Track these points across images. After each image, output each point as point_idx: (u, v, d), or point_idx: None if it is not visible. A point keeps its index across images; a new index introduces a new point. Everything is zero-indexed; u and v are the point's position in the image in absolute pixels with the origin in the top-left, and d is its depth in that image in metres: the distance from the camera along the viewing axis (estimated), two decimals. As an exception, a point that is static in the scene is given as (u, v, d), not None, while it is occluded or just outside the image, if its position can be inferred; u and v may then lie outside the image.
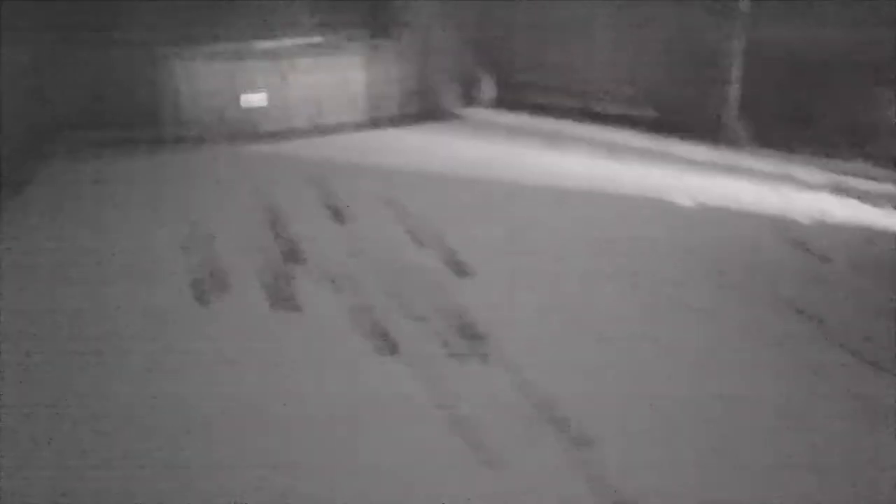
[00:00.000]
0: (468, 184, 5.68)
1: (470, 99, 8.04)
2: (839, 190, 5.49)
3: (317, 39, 7.17)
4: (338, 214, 5.02)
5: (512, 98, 7.93)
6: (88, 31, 6.36)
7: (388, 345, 3.43)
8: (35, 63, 6.17)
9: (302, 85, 7.03)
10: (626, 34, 7.13)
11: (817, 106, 6.14)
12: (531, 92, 7.80)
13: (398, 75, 7.48)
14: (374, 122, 7.38)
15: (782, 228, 4.78)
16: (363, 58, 7.27)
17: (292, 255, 4.38)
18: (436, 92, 7.76)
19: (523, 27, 7.78)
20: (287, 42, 7.04)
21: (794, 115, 6.27)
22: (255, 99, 6.85)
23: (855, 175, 5.75)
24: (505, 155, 6.44)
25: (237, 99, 6.78)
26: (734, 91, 6.54)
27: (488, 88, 8.06)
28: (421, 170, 6.00)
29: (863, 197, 5.34)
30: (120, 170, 5.98)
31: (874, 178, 5.68)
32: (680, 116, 6.83)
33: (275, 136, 6.92)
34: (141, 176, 5.85)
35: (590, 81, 7.43)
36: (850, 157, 5.95)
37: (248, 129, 6.85)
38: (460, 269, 4.19)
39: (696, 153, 6.41)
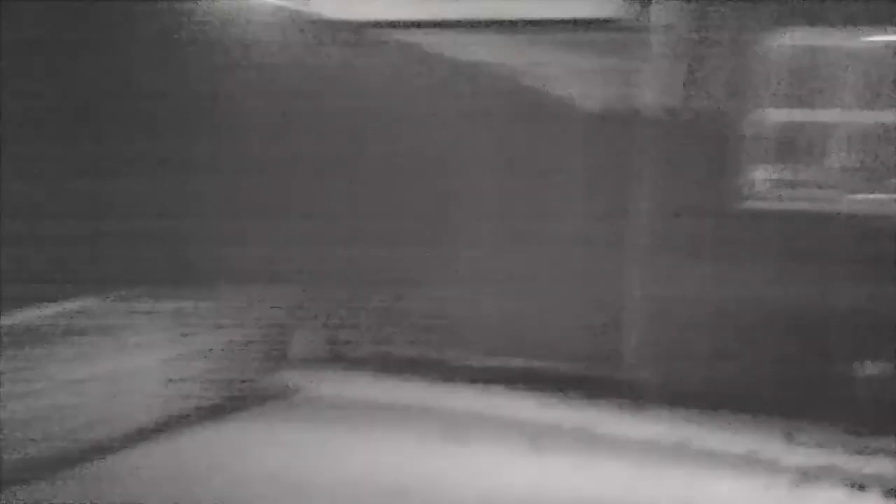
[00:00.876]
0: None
1: (279, 359, 5.91)
2: None
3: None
4: None
5: (340, 351, 6.17)
6: None
7: None
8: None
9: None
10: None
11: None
12: (369, 341, 6.16)
13: (201, 344, 5.26)
14: (175, 421, 4.93)
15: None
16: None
17: None
18: (245, 358, 5.60)
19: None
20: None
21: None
22: None
23: None
24: (409, 473, 4.51)
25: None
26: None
27: (304, 340, 6.08)
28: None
29: None
30: None
31: None
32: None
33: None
34: None
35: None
36: None
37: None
38: None
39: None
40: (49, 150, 4.64)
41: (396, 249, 6.16)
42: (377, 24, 6.37)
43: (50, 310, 4.52)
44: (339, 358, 6.20)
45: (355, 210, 6.25)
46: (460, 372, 5.99)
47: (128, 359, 4.74)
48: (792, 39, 5.73)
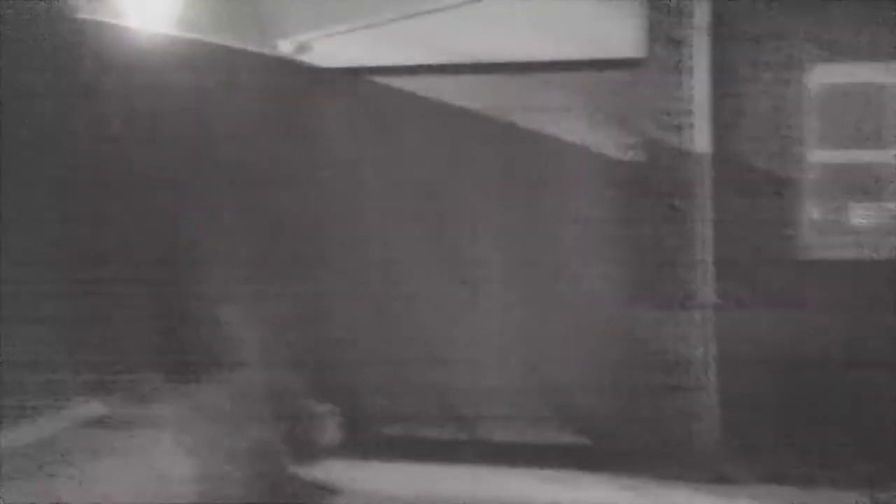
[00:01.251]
0: None
1: (308, 446, 5.37)
2: None
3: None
4: None
5: (370, 437, 5.63)
6: None
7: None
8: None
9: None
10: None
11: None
12: (398, 424, 5.65)
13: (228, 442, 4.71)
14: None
15: None
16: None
17: None
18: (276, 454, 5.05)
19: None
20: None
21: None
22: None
23: None
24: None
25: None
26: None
27: (332, 428, 5.62)
28: None
29: None
30: None
31: None
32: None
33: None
34: None
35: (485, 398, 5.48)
36: None
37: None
38: None
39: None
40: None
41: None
42: (381, 71, 5.83)
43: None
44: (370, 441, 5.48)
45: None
46: (508, 449, 5.36)
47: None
48: (842, 75, 5.44)
